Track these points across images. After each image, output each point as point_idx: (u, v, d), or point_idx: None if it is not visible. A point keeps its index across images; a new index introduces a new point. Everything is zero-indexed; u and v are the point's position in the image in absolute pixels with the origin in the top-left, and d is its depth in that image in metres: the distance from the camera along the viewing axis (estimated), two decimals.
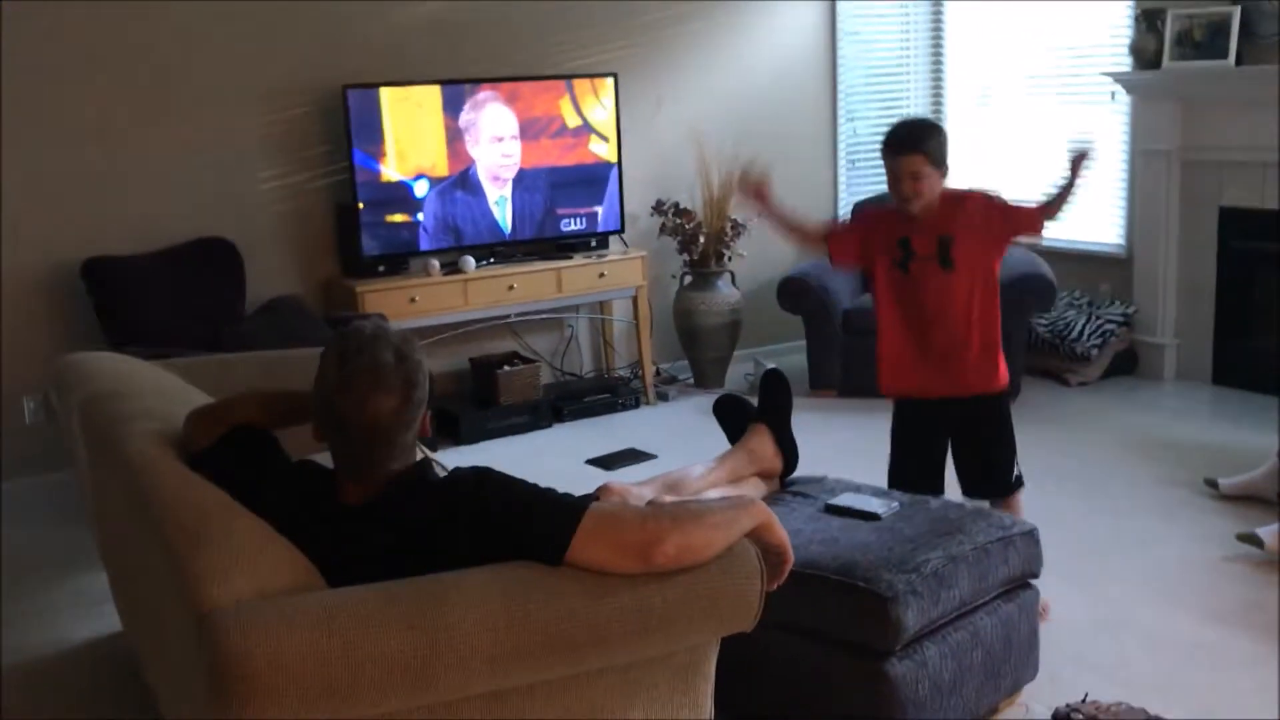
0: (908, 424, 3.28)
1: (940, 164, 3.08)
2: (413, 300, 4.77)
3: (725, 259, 5.64)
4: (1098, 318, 5.41)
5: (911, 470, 3.21)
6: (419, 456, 1.88)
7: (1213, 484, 3.96)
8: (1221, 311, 5.21)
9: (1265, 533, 3.41)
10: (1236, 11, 4.82)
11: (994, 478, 3.19)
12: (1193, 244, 5.26)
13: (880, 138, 6.62)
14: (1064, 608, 3.08)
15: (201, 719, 1.73)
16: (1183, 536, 3.64)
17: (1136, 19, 5.21)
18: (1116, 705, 2.56)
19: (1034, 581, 2.70)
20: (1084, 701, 2.57)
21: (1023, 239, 3.27)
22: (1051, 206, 3.12)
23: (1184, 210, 5.26)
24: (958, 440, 3.22)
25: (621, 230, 5.45)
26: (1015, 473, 3.21)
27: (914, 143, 3.08)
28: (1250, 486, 3.87)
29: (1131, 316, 5.45)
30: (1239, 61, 4.85)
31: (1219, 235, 5.17)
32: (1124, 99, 5.42)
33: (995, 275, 3.14)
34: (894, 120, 6.36)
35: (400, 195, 4.88)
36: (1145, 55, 5.16)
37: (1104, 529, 3.74)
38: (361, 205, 4.78)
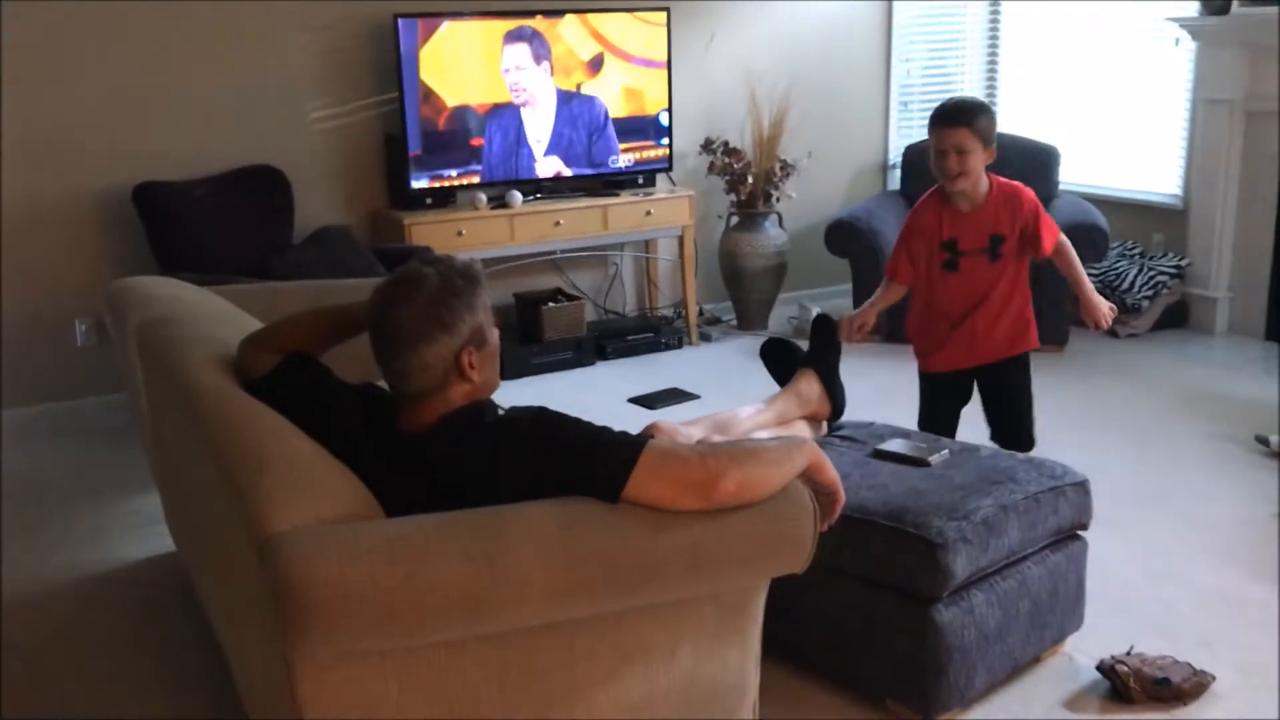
0: (939, 390, 3.39)
1: (987, 141, 3.07)
2: (460, 234, 4.76)
3: (773, 200, 5.58)
4: (1150, 269, 5.32)
5: (939, 428, 3.30)
6: (480, 397, 1.87)
7: (1264, 441, 3.91)
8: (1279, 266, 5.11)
9: None
10: None
11: (1022, 424, 3.33)
12: (1253, 197, 5.14)
13: (934, 78, 6.53)
14: (1111, 560, 3.06)
15: (260, 641, 1.77)
16: (1232, 493, 3.60)
17: None
18: (1161, 658, 2.55)
19: (1083, 533, 2.69)
20: (1129, 653, 2.57)
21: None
22: (1073, 276, 3.26)
23: (1245, 162, 5.14)
24: (989, 397, 3.36)
25: (670, 169, 5.41)
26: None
27: (961, 116, 3.06)
28: None
29: (1185, 269, 5.36)
30: None
31: None
32: (1188, 45, 5.28)
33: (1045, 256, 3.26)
34: (948, 63, 6.31)
35: (449, 128, 4.85)
36: (1214, 1, 5.02)
37: (1153, 482, 3.70)
38: (410, 136, 4.76)
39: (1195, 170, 5.34)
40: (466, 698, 1.69)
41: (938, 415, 3.37)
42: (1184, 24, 5.18)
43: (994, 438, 3.32)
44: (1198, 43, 5.22)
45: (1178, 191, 5.49)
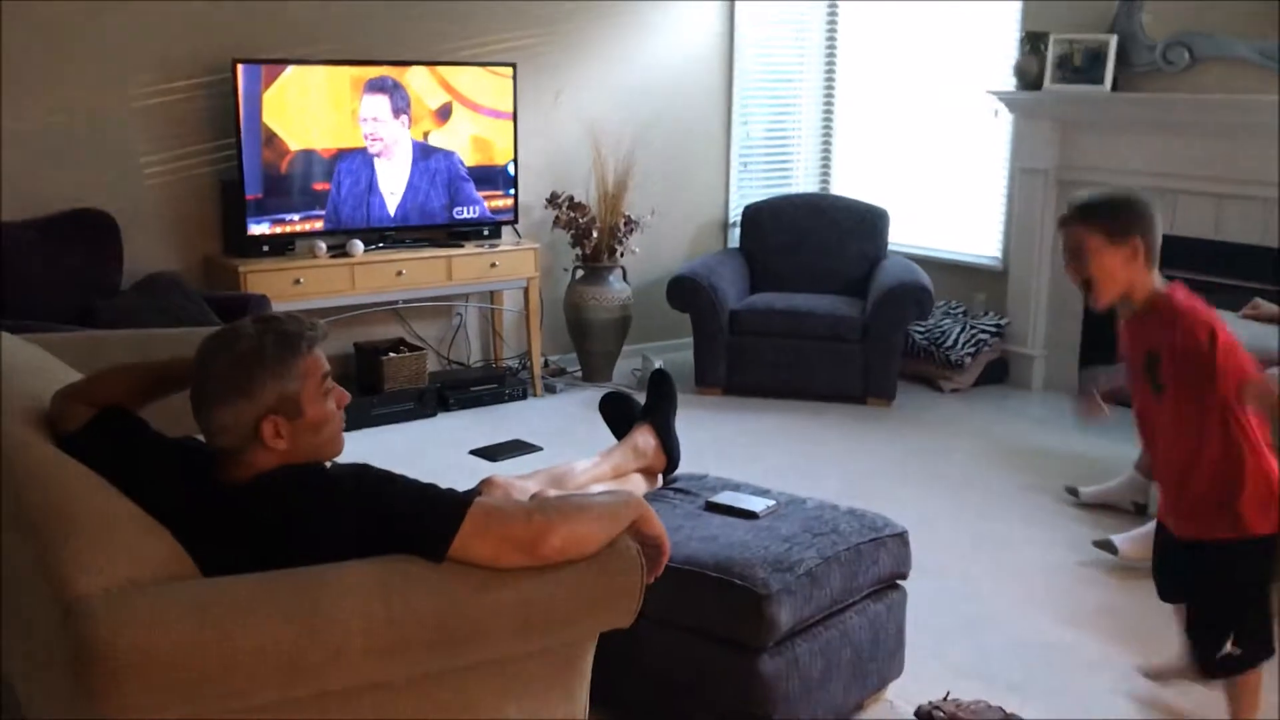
0: (1157, 542, 2.67)
1: (1120, 238, 2.35)
2: (297, 282, 4.68)
3: (618, 254, 5.67)
4: (972, 327, 5.59)
5: (1161, 585, 2.67)
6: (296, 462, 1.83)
7: (1073, 492, 4.14)
8: (1088, 326, 5.44)
9: (1120, 540, 3.58)
10: (1113, 40, 5.04)
11: (1198, 637, 2.51)
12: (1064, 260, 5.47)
13: (773, 140, 6.60)
14: (930, 607, 3.19)
15: (66, 713, 1.69)
16: (1044, 541, 3.80)
17: (1022, 40, 5.40)
18: (975, 703, 2.67)
19: (902, 582, 2.80)
20: (945, 699, 2.68)
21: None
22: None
23: (1059, 228, 5.46)
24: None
25: (515, 221, 5.44)
26: (1226, 648, 2.42)
27: (1081, 211, 2.41)
28: (1108, 495, 4.05)
29: (1004, 327, 5.65)
30: (1114, 88, 5.07)
31: None
32: (1007, 117, 5.61)
33: (1237, 405, 2.33)
34: (787, 126, 6.56)
35: (288, 174, 4.79)
36: (1028, 76, 5.36)
37: (971, 532, 3.88)
38: (247, 182, 4.67)
39: (1014, 234, 5.66)
40: None
41: (1157, 568, 2.66)
42: (1002, 97, 5.51)
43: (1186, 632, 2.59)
44: (1014, 115, 5.55)
45: (998, 254, 5.81)
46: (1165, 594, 2.66)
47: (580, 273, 5.67)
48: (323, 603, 1.59)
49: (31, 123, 4.40)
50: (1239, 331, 2.50)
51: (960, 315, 5.73)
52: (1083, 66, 5.15)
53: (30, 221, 4.34)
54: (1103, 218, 2.40)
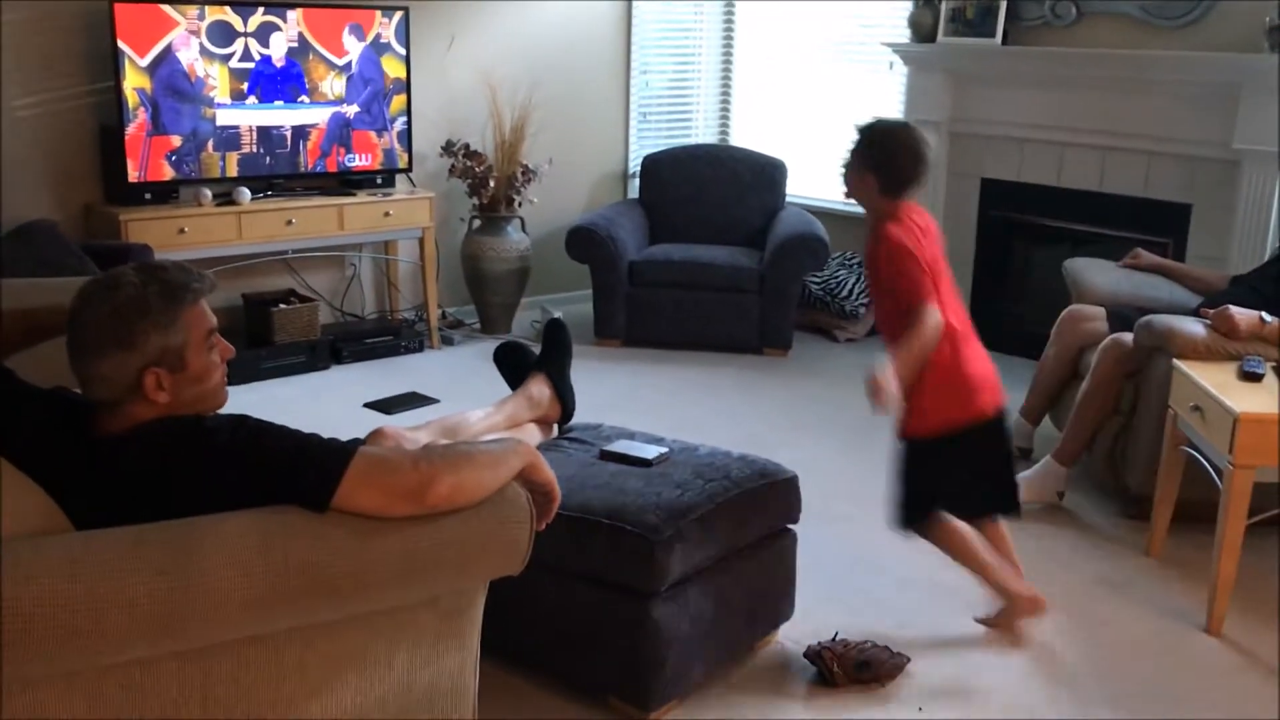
0: None
1: (866, 169, 2.77)
2: (182, 231, 4.53)
3: (515, 204, 5.61)
4: (866, 278, 5.67)
5: None
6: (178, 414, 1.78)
7: None
8: (979, 277, 5.56)
9: None
10: None
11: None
12: (956, 212, 5.58)
13: (673, 91, 6.54)
14: (820, 551, 3.25)
15: None
16: None
17: None
18: (863, 643, 2.73)
19: (793, 526, 2.84)
20: (834, 640, 2.74)
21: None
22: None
23: (950, 179, 5.57)
24: None
25: (409, 169, 5.34)
26: (905, 514, 2.88)
27: (856, 135, 2.83)
28: None
29: None
30: (1005, 41, 5.15)
31: (980, 205, 5.51)
32: (901, 70, 5.66)
33: (921, 306, 2.69)
34: (687, 78, 6.53)
35: (171, 119, 4.61)
36: (922, 29, 5.41)
37: (861, 477, 3.95)
38: (128, 127, 4.49)
39: None
40: (165, 717, 1.62)
41: None
42: (897, 49, 5.56)
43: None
44: (909, 67, 5.61)
45: None
46: None
47: (477, 223, 5.59)
48: (197, 555, 1.55)
49: None
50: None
51: (855, 266, 5.80)
52: (975, 20, 5.22)
53: None
54: (861, 147, 2.80)
